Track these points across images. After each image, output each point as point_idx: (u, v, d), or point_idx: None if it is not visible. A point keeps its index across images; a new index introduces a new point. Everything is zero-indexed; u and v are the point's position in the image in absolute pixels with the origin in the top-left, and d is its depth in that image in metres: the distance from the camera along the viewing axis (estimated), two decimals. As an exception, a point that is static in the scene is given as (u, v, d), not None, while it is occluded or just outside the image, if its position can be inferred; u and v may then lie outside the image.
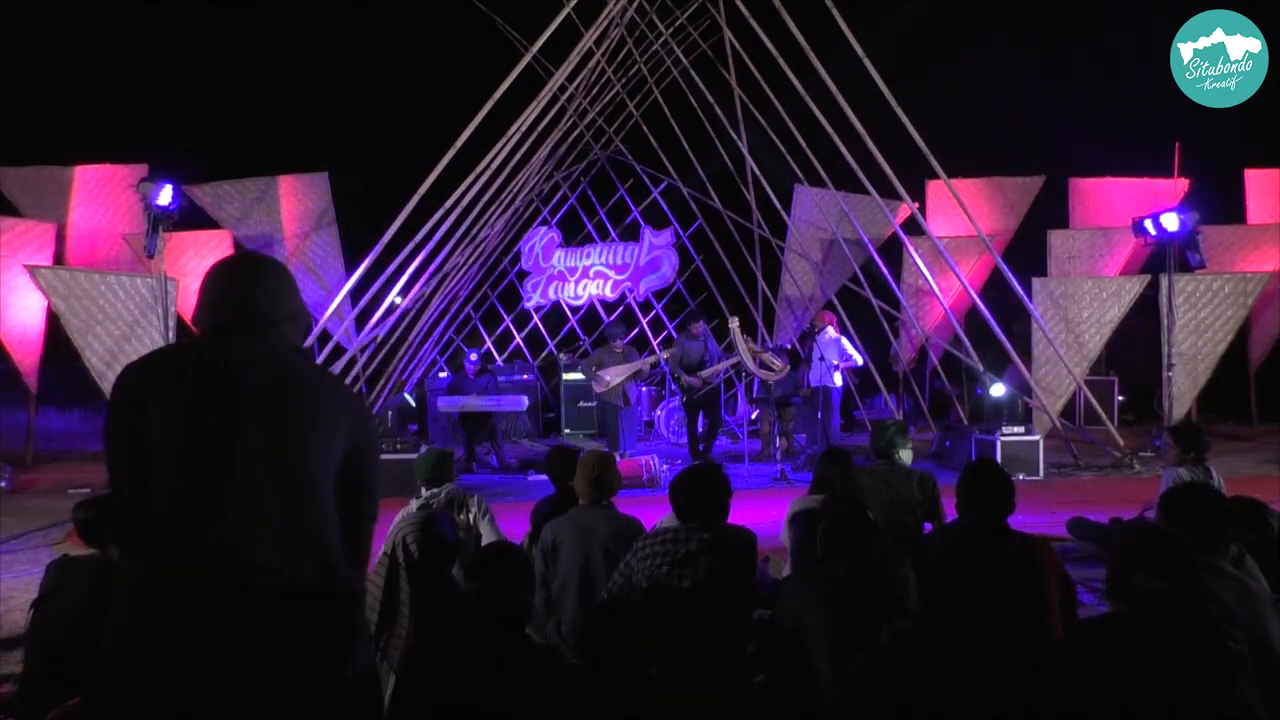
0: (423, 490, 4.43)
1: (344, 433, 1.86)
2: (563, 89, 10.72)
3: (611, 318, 14.10)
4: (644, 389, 10.95)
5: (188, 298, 11.74)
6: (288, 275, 2.03)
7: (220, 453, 1.73)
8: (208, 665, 1.66)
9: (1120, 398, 12.76)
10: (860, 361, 9.46)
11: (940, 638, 2.19)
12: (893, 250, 11.84)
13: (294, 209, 11.84)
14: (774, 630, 3.14)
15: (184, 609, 1.68)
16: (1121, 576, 2.30)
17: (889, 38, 12.70)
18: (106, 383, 8.38)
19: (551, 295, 14.72)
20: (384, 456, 8.13)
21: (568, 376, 12.94)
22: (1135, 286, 9.77)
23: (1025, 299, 9.42)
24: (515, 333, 15.00)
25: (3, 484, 8.78)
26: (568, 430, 12.85)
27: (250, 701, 1.67)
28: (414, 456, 8.15)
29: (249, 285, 1.93)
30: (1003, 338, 9.23)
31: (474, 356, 10.90)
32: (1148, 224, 9.01)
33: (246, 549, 1.70)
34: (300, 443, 1.79)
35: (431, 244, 9.08)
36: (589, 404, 12.41)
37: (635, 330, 14.25)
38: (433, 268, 10.21)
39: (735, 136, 11.91)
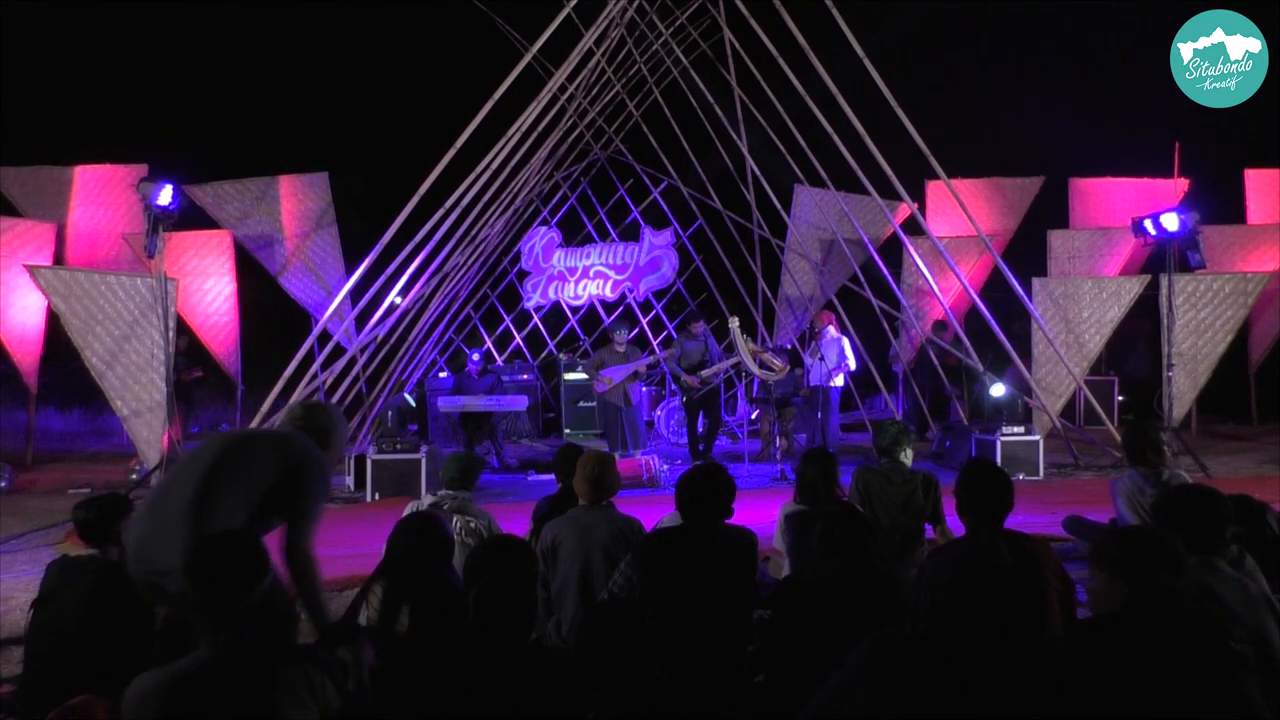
0: (440, 490, 4.41)
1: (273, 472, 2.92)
2: (563, 89, 10.71)
3: (611, 318, 14.10)
4: (644, 389, 10.95)
5: (188, 298, 11.76)
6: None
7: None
8: None
9: (1120, 398, 12.76)
10: (854, 366, 9.48)
11: (944, 658, 2.18)
12: (893, 250, 11.84)
13: (294, 209, 11.83)
14: (774, 630, 3.14)
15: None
16: (1115, 577, 2.31)
17: (889, 38, 12.69)
18: (107, 383, 8.37)
19: (551, 295, 14.71)
20: (383, 457, 8.18)
21: (568, 376, 12.94)
22: (1135, 286, 9.77)
23: (1025, 299, 9.42)
24: (515, 333, 14.99)
25: (3, 484, 8.77)
26: (568, 430, 12.84)
27: None
28: (414, 457, 8.21)
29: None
30: (1003, 338, 9.22)
31: (476, 356, 10.93)
32: (1148, 224, 9.00)
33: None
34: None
35: (431, 244, 9.07)
36: (589, 404, 12.40)
37: (635, 330, 14.24)
38: (433, 268, 10.20)
39: (735, 136, 11.91)
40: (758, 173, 11.94)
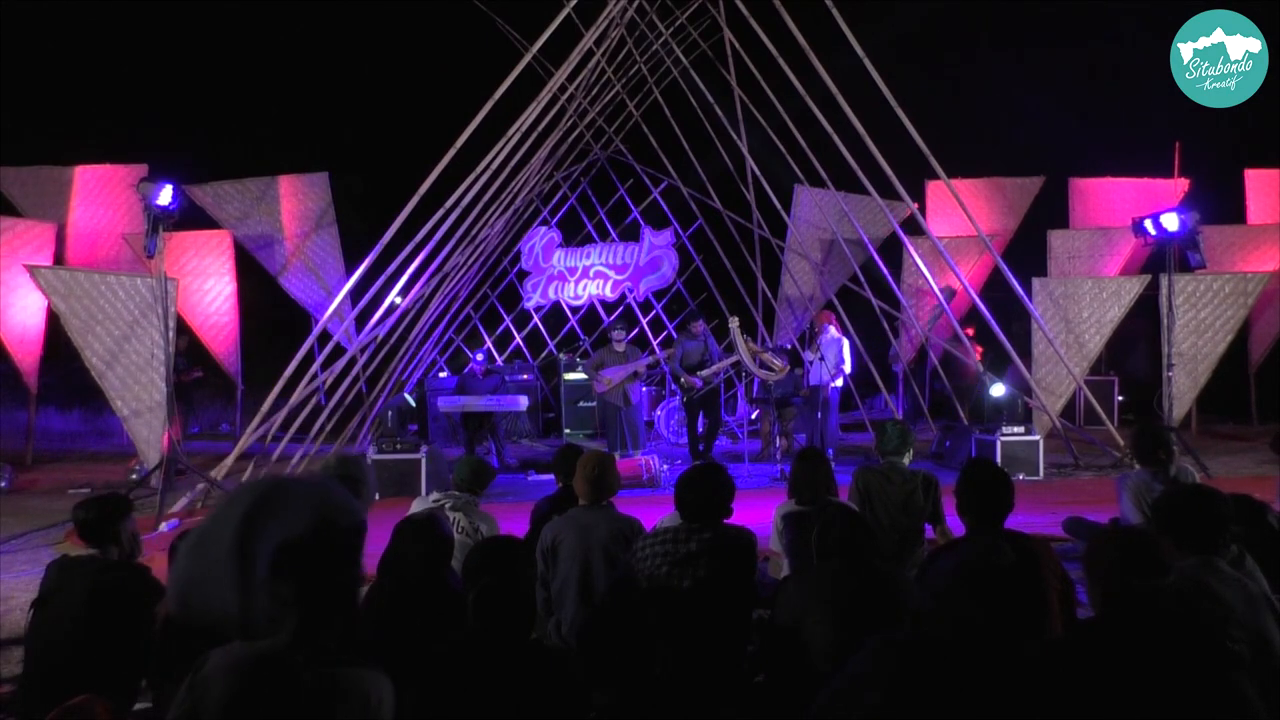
0: (449, 490, 4.41)
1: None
2: (563, 89, 10.71)
3: (611, 318, 14.11)
4: (644, 389, 10.96)
5: (188, 298, 11.76)
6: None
7: None
8: None
9: (1120, 398, 12.76)
10: (849, 369, 9.46)
11: (945, 658, 2.19)
12: (893, 250, 11.84)
13: (294, 209, 11.84)
14: (774, 630, 3.14)
15: None
16: (1095, 580, 2.32)
17: (889, 38, 12.69)
18: (106, 383, 8.37)
19: (551, 295, 14.71)
20: (383, 457, 8.20)
21: (568, 376, 12.94)
22: (1135, 286, 9.77)
23: (1025, 299, 9.42)
24: (515, 333, 14.99)
25: (3, 484, 8.77)
26: (568, 430, 12.84)
27: None
28: (414, 457, 8.22)
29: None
30: (1003, 338, 9.23)
31: (480, 356, 10.98)
32: (1148, 224, 9.00)
33: None
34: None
35: (431, 244, 9.07)
36: (589, 404, 12.41)
37: (635, 330, 14.25)
38: (433, 268, 10.19)
39: (735, 136, 11.91)
40: (758, 173, 11.94)
